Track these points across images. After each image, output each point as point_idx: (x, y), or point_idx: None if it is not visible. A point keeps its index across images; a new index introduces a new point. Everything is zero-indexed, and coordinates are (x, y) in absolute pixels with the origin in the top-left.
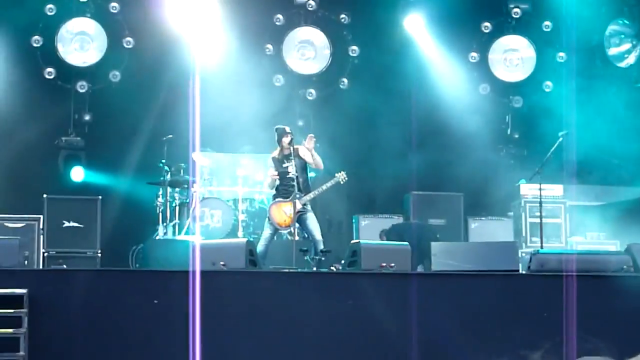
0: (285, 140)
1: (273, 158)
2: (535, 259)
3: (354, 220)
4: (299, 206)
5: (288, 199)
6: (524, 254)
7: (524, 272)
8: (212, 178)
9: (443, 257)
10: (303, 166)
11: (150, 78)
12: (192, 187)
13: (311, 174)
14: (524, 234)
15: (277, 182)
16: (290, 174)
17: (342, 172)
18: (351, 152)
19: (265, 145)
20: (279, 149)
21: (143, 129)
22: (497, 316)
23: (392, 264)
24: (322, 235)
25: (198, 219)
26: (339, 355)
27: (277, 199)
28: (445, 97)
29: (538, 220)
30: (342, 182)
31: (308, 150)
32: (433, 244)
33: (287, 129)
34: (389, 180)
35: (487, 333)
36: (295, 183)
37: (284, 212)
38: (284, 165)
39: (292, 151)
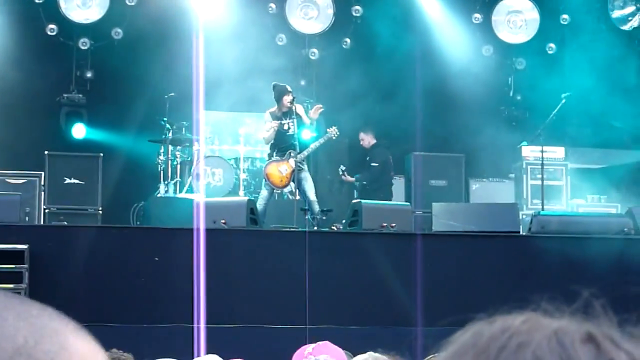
0: (287, 98)
1: (271, 113)
2: (536, 220)
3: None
4: (294, 164)
5: (283, 158)
6: (524, 216)
7: (524, 233)
8: (213, 136)
9: (444, 217)
10: (300, 124)
11: (153, 36)
12: (195, 145)
13: (312, 134)
14: (525, 196)
15: (273, 140)
16: (290, 131)
17: (334, 127)
18: (353, 112)
19: (268, 104)
20: (276, 106)
21: (145, 86)
22: (498, 276)
23: (393, 224)
24: (321, 195)
25: (202, 177)
26: (341, 313)
27: (272, 159)
28: (448, 58)
29: (539, 182)
30: (334, 137)
31: (310, 117)
32: (434, 204)
33: (289, 88)
34: (390, 141)
35: (488, 293)
36: (295, 142)
37: (279, 171)
38: (282, 123)
39: (293, 109)
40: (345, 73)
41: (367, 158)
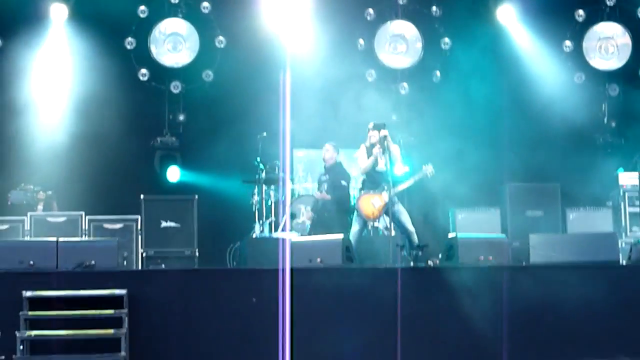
0: (381, 133)
1: (367, 148)
2: (636, 249)
3: (450, 214)
4: (387, 198)
5: (376, 191)
6: (624, 244)
7: (624, 262)
8: (306, 175)
9: (542, 248)
10: (392, 162)
11: (243, 76)
12: (287, 184)
13: (405, 168)
14: (623, 224)
15: (365, 176)
16: (381, 167)
17: (429, 165)
18: (445, 144)
19: (358, 141)
20: (369, 142)
21: (237, 127)
22: (599, 307)
23: (490, 257)
24: (417, 229)
25: (292, 216)
26: (434, 350)
27: (364, 192)
28: (540, 88)
29: (638, 209)
30: (429, 176)
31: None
32: (531, 235)
33: (382, 129)
34: (484, 173)
35: (589, 325)
36: (388, 177)
37: (372, 204)
38: (375, 158)
39: (386, 146)
40: (436, 106)
41: (328, 176)
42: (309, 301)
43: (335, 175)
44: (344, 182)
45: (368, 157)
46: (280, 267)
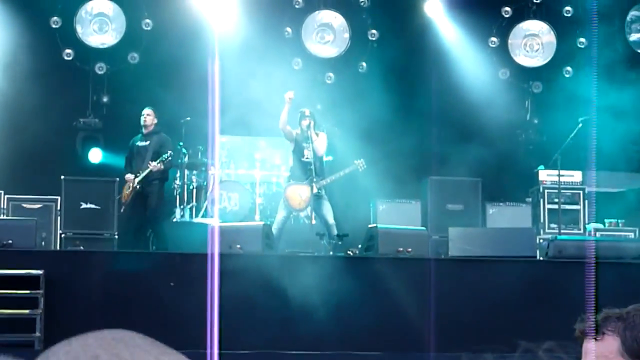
0: (304, 123)
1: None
2: (554, 245)
3: (371, 205)
4: (314, 190)
5: (304, 183)
6: (541, 241)
7: (541, 258)
8: (229, 161)
9: (461, 242)
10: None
11: (169, 60)
12: (210, 169)
13: (328, 158)
14: (542, 221)
15: (292, 163)
16: (306, 157)
17: (361, 160)
18: (369, 136)
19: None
20: (299, 129)
21: (161, 111)
22: (514, 302)
23: (409, 249)
24: (338, 219)
25: (217, 202)
26: (356, 338)
27: (292, 181)
28: (464, 82)
29: (556, 206)
30: (360, 170)
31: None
32: (450, 229)
33: (307, 112)
34: (406, 166)
35: (504, 319)
36: (312, 167)
37: (299, 194)
38: (303, 146)
39: (309, 135)
40: (361, 97)
41: (148, 142)
42: (232, 287)
43: (156, 143)
44: (169, 152)
45: (295, 147)
46: (209, 252)
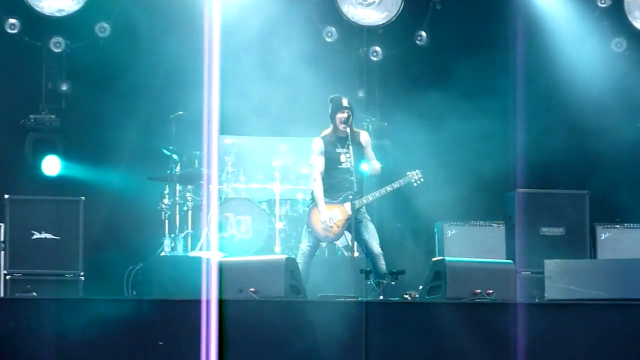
0: (340, 116)
1: (323, 138)
2: None
3: (436, 230)
4: (350, 210)
5: (337, 201)
6: None
7: None
8: (238, 171)
9: (561, 279)
10: (361, 157)
11: (152, 34)
12: (211, 183)
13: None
14: None
15: (319, 172)
16: (344, 164)
17: (417, 171)
18: (430, 134)
19: (312, 126)
20: (331, 127)
21: (142, 103)
22: None
23: (490, 290)
24: (390, 250)
25: (213, 226)
26: None
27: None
28: (563, 58)
29: None
30: (415, 185)
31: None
32: (547, 261)
33: (345, 102)
34: (483, 175)
35: None
36: (352, 178)
37: (329, 217)
38: (337, 151)
39: (348, 134)
40: (419, 80)
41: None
42: (238, 345)
43: None
44: None
45: (326, 154)
46: (204, 298)
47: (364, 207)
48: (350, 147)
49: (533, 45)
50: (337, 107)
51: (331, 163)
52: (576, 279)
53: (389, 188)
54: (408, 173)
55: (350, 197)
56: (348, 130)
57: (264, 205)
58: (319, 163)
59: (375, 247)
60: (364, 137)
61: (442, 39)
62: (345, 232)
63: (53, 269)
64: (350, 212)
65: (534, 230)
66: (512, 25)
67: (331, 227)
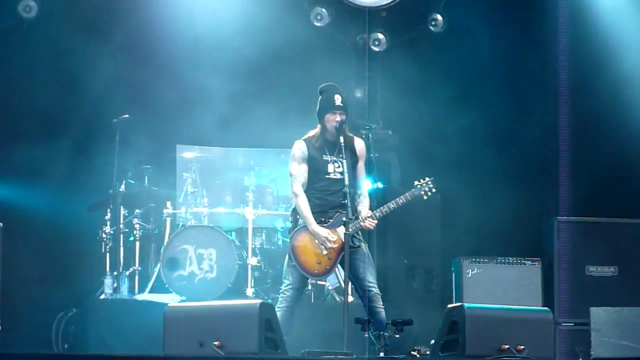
0: (331, 117)
1: (307, 141)
2: None
3: (453, 268)
4: (345, 236)
5: (327, 224)
6: None
7: None
8: (200, 191)
9: (612, 332)
10: (354, 167)
11: (92, 12)
12: (166, 206)
13: (377, 185)
14: None
15: (305, 186)
16: (332, 174)
17: (427, 180)
18: (445, 145)
19: (295, 134)
20: (319, 127)
21: (76, 101)
22: None
23: (522, 346)
24: (395, 293)
25: (173, 264)
26: None
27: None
28: (617, 48)
29: None
30: (425, 197)
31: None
32: (593, 309)
33: (338, 99)
34: (514, 198)
35: None
36: (345, 190)
37: (317, 245)
38: (324, 158)
39: (341, 140)
40: (433, 77)
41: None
42: None
43: None
44: None
45: (310, 161)
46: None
47: (359, 232)
48: (342, 154)
49: (578, 32)
50: (328, 106)
51: (315, 173)
52: (631, 332)
53: (392, 205)
54: (416, 182)
55: (343, 218)
56: (342, 138)
57: (233, 236)
58: (301, 173)
59: (372, 284)
60: (359, 144)
61: (462, 25)
62: (337, 266)
63: None
64: (343, 239)
65: (579, 269)
66: (547, 8)
67: (333, 248)
